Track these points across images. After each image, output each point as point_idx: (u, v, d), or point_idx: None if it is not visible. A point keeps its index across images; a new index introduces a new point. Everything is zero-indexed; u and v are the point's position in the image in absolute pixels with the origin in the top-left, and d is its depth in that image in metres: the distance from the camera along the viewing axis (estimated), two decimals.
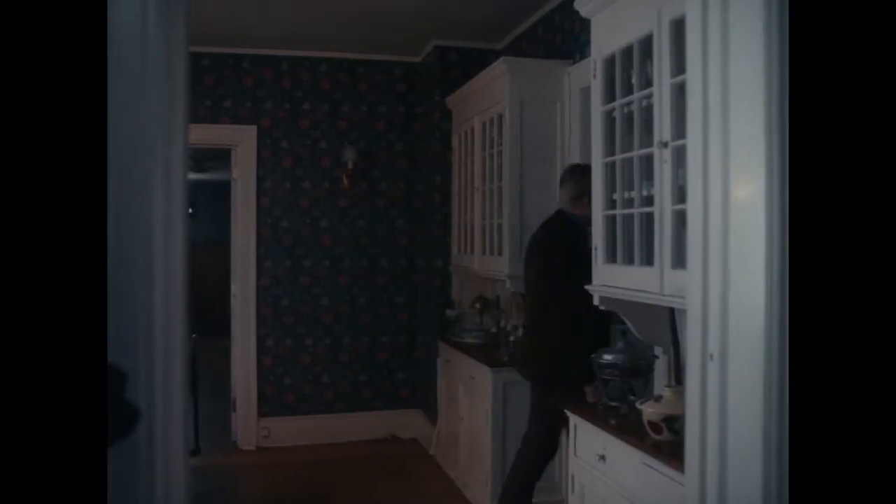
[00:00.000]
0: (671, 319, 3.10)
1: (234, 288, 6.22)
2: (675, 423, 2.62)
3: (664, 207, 2.67)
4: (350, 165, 6.17)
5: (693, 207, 1.92)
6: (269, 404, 6.18)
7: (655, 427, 2.73)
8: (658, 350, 3.36)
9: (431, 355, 5.93)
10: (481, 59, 5.73)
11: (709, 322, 1.86)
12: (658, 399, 2.80)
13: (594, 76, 3.25)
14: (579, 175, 3.66)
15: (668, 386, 2.85)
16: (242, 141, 6.10)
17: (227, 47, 5.95)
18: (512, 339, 4.80)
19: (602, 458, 3.05)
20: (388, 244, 6.40)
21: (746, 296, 1.76)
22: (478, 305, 5.62)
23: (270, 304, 6.17)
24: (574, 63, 4.47)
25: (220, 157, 7.64)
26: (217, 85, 6.02)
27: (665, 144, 2.66)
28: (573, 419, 3.34)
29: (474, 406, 4.82)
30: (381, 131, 6.37)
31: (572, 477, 3.36)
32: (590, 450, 3.16)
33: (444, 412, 5.61)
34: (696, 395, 1.92)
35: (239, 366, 6.17)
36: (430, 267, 6.10)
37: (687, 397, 1.98)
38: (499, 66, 4.61)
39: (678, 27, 2.57)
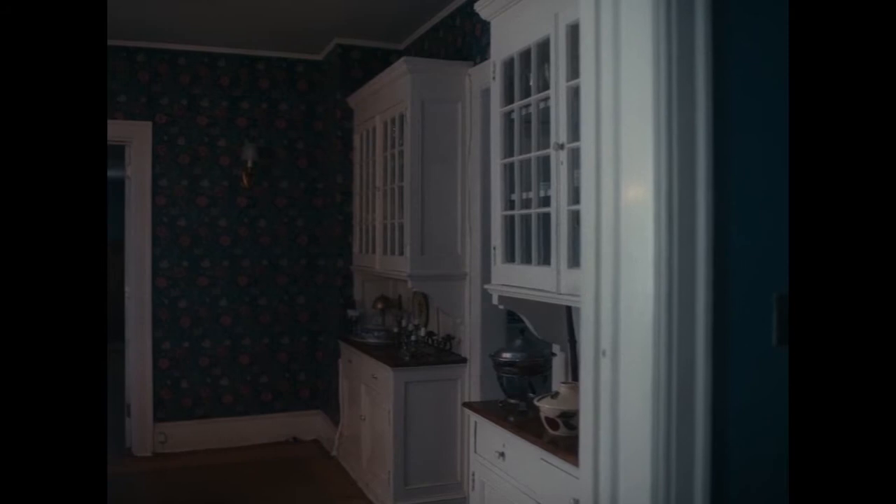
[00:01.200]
0: (568, 318, 3.18)
1: (128, 289, 6.02)
2: (571, 419, 2.69)
3: (561, 208, 2.73)
4: (250, 164, 6.06)
5: (586, 208, 1.97)
6: (166, 409, 6.01)
7: (552, 423, 2.79)
8: (556, 348, 3.44)
9: (333, 356, 5.88)
10: (384, 59, 5.72)
11: (601, 319, 1.92)
12: (555, 396, 2.86)
13: (493, 78, 3.29)
14: None
15: (565, 382, 2.92)
16: (136, 137, 5.90)
17: (120, 40, 5.74)
18: (413, 338, 4.81)
19: (502, 455, 3.09)
20: (289, 244, 6.32)
21: (637, 294, 1.82)
22: (379, 305, 5.61)
23: (167, 306, 6.00)
24: (475, 65, 4.52)
25: (112, 154, 7.36)
26: (110, 79, 5.81)
27: (561, 146, 2.72)
28: (473, 417, 3.37)
29: (376, 406, 4.81)
30: (282, 129, 6.28)
31: (473, 474, 3.39)
32: (490, 447, 3.20)
33: (346, 413, 5.58)
34: (589, 391, 1.97)
35: (133, 369, 5.97)
36: (331, 267, 6.05)
37: (581, 393, 2.03)
38: (400, 66, 4.61)
39: (574, 32, 2.63)
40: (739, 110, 1.88)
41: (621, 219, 1.86)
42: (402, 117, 4.66)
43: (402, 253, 4.67)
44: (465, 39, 4.79)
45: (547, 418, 2.80)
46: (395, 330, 5.21)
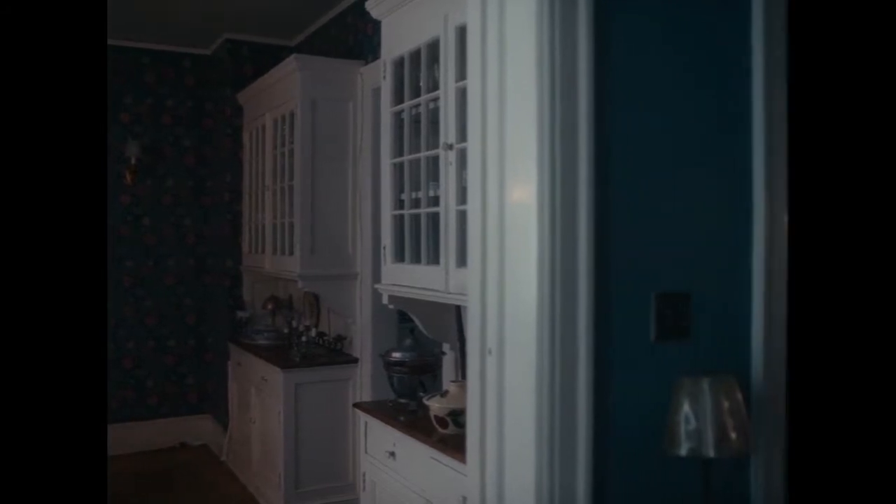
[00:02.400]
0: (458, 317, 3.20)
1: None
2: (459, 417, 2.71)
3: (449, 208, 2.75)
4: (133, 161, 5.84)
5: (472, 208, 2.00)
6: None
7: (441, 422, 2.81)
8: (446, 347, 3.46)
9: (222, 358, 5.74)
10: (275, 55, 5.61)
11: (487, 318, 1.94)
12: (444, 394, 2.88)
13: (384, 77, 3.29)
14: None
15: (454, 381, 2.95)
16: None
17: None
18: (304, 339, 4.75)
19: (392, 454, 3.09)
20: (176, 243, 6.13)
21: (521, 293, 1.85)
22: (270, 306, 5.51)
23: None
24: (367, 63, 4.50)
25: None
26: None
27: (450, 147, 2.74)
28: (364, 417, 3.36)
29: (266, 408, 4.73)
30: (168, 126, 6.09)
31: (364, 475, 3.38)
32: (380, 447, 3.19)
33: (236, 416, 5.45)
34: (475, 389, 2.00)
35: None
36: (219, 267, 5.90)
37: (468, 391, 2.05)
38: (291, 63, 4.55)
39: (463, 34, 2.65)
40: (621, 114, 1.94)
41: (506, 219, 1.89)
42: (292, 115, 4.60)
43: (292, 253, 4.60)
44: (357, 38, 4.77)
45: (436, 417, 2.82)
46: (286, 331, 5.13)
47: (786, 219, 2.17)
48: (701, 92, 2.08)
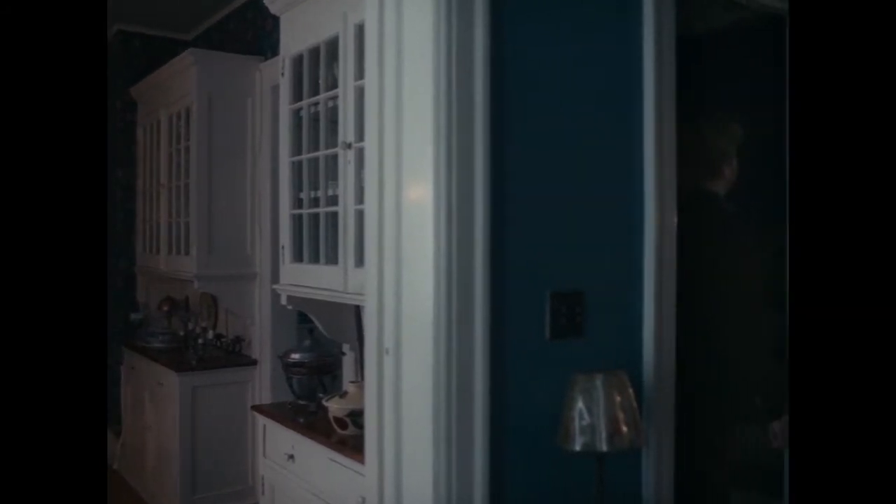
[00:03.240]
0: (357, 317, 3.18)
1: None
2: (359, 418, 2.69)
3: (348, 207, 2.73)
4: None
5: (370, 208, 1.99)
6: None
7: (341, 423, 2.78)
8: (346, 347, 3.43)
9: (114, 362, 5.53)
10: (170, 49, 5.43)
11: (384, 318, 1.93)
12: (343, 395, 2.86)
13: (282, 74, 3.23)
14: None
15: (354, 382, 2.92)
16: None
17: None
18: (201, 341, 4.63)
19: (291, 457, 3.04)
20: None
21: (418, 292, 1.85)
22: (165, 307, 5.34)
23: None
24: (266, 60, 4.42)
25: None
26: None
27: (349, 145, 2.72)
28: (262, 420, 3.30)
29: (162, 413, 4.58)
30: None
31: (262, 478, 3.32)
32: (279, 450, 3.14)
33: (129, 422, 5.26)
34: (373, 389, 1.99)
35: None
36: (111, 267, 5.68)
37: (366, 392, 2.04)
38: (186, 58, 4.42)
39: (363, 32, 2.63)
40: (518, 115, 1.96)
41: (403, 218, 1.89)
42: (188, 111, 4.47)
43: (188, 253, 4.47)
44: (256, 33, 4.68)
45: (335, 418, 2.79)
46: (182, 333, 4.99)
47: (675, 220, 2.24)
48: (595, 96, 2.13)
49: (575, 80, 2.08)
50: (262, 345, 4.39)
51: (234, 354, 4.62)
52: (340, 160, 2.79)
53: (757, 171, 2.89)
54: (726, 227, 2.76)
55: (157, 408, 4.67)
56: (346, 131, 2.76)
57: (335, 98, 2.88)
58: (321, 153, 2.95)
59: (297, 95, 3.14)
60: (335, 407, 2.79)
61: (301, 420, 3.04)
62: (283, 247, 3.18)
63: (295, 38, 3.17)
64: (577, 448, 1.87)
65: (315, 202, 3.01)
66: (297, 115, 3.15)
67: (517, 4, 1.97)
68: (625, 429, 1.87)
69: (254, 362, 4.43)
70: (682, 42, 2.47)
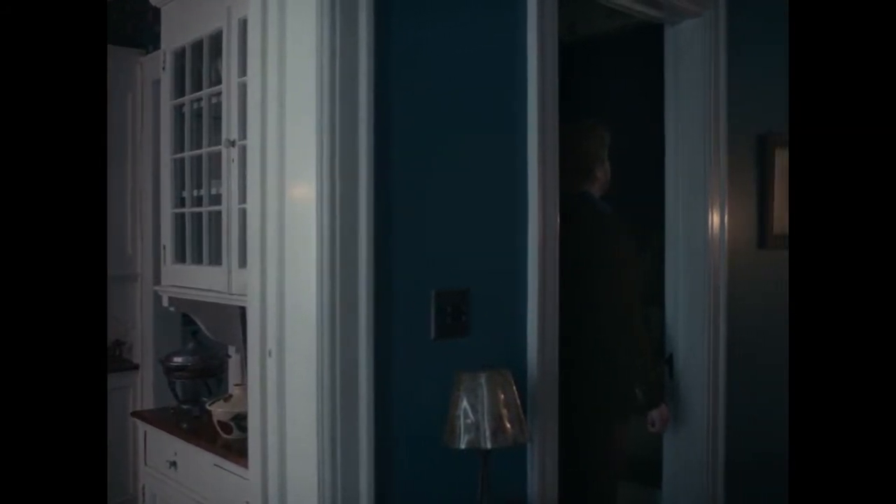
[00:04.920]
0: (242, 318, 3.11)
1: None
2: (244, 421, 2.63)
3: (232, 206, 2.67)
4: None
5: (252, 207, 1.95)
6: None
7: (225, 427, 2.71)
8: (232, 349, 3.36)
9: None
10: None
11: (267, 319, 1.90)
12: (228, 398, 2.79)
13: (164, 68, 3.13)
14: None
15: (238, 384, 2.86)
16: None
17: None
18: None
19: (174, 464, 2.95)
20: None
21: (301, 292, 1.83)
22: None
23: None
24: (147, 53, 4.26)
25: None
26: None
27: (233, 143, 2.66)
28: (143, 427, 3.18)
29: None
30: None
31: (143, 488, 3.20)
32: (161, 457, 3.04)
33: None
34: (256, 392, 1.95)
35: None
36: None
37: (248, 394, 1.99)
38: None
39: (246, 27, 2.58)
40: (402, 113, 1.96)
41: (286, 218, 1.86)
42: None
43: None
44: (136, 25, 4.50)
45: (220, 422, 2.73)
46: None
47: (557, 220, 2.29)
48: (481, 97, 2.15)
49: (460, 81, 2.09)
50: (143, 348, 4.24)
51: (113, 359, 4.43)
52: (224, 158, 2.72)
53: (631, 173, 3.00)
54: (604, 227, 2.85)
55: None
56: (230, 128, 2.70)
57: (219, 94, 2.81)
58: (204, 151, 2.87)
59: (180, 91, 3.04)
60: (219, 411, 2.72)
61: (184, 425, 2.95)
62: (164, 247, 3.08)
63: (177, 32, 3.08)
64: (463, 446, 1.89)
65: (198, 201, 2.92)
66: (179, 111, 3.06)
67: (402, 4, 1.96)
68: (508, 426, 1.89)
69: (135, 367, 4.27)
70: (565, 46, 2.53)
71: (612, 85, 4.14)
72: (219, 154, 2.77)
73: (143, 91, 4.25)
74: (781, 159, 3.36)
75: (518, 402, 1.94)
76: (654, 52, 3.09)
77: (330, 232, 1.77)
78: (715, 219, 2.95)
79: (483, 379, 1.88)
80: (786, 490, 3.14)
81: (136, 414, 3.39)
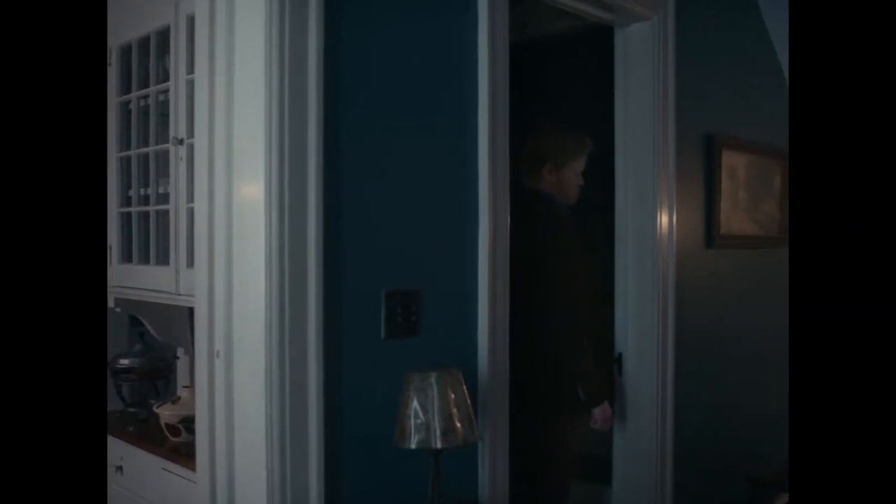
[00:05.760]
0: (191, 319, 3.06)
1: None
2: (192, 424, 2.59)
3: (179, 205, 2.62)
4: None
5: (199, 206, 1.92)
6: None
7: (173, 430, 2.67)
8: (180, 351, 3.30)
9: None
10: None
11: (215, 319, 1.88)
12: (176, 401, 2.75)
13: (110, 64, 3.06)
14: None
15: (187, 386, 2.82)
16: None
17: None
18: None
19: (119, 469, 2.89)
20: None
21: (250, 293, 1.81)
22: None
23: None
24: None
25: None
26: None
27: (180, 141, 2.61)
28: None
29: None
30: None
31: None
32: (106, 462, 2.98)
33: None
34: (204, 394, 1.93)
35: None
36: None
37: (196, 396, 1.97)
38: None
39: (194, 23, 2.54)
40: (353, 112, 1.95)
41: (234, 217, 1.84)
42: None
43: None
44: None
45: (167, 425, 2.68)
46: None
47: (508, 221, 2.30)
48: (431, 97, 2.15)
49: (411, 81, 2.09)
50: None
51: None
52: (171, 156, 2.67)
53: (583, 173, 3.02)
54: (558, 226, 2.87)
55: None
56: (178, 127, 2.65)
57: (166, 91, 2.76)
58: (151, 149, 2.82)
59: (126, 87, 2.98)
60: (167, 413, 2.68)
61: (131, 429, 2.90)
62: (110, 247, 3.02)
63: (123, 26, 3.01)
64: (413, 446, 1.88)
65: (145, 200, 2.87)
66: (125, 108, 2.99)
67: (353, 4, 1.95)
68: (459, 425, 1.90)
69: None
70: (517, 47, 2.54)
71: (565, 86, 4.18)
72: (166, 152, 2.72)
73: None
74: (728, 160, 3.43)
75: (468, 401, 1.95)
76: (605, 53, 3.12)
77: (279, 232, 1.75)
78: (663, 219, 2.99)
79: (433, 379, 1.88)
80: (733, 484, 3.21)
81: None
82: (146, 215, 2.86)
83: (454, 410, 1.89)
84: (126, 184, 2.96)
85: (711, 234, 3.35)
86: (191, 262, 2.56)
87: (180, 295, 2.64)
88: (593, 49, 3.29)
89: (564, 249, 2.80)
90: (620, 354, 3.04)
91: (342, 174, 1.91)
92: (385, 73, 2.03)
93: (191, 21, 2.61)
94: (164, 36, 2.79)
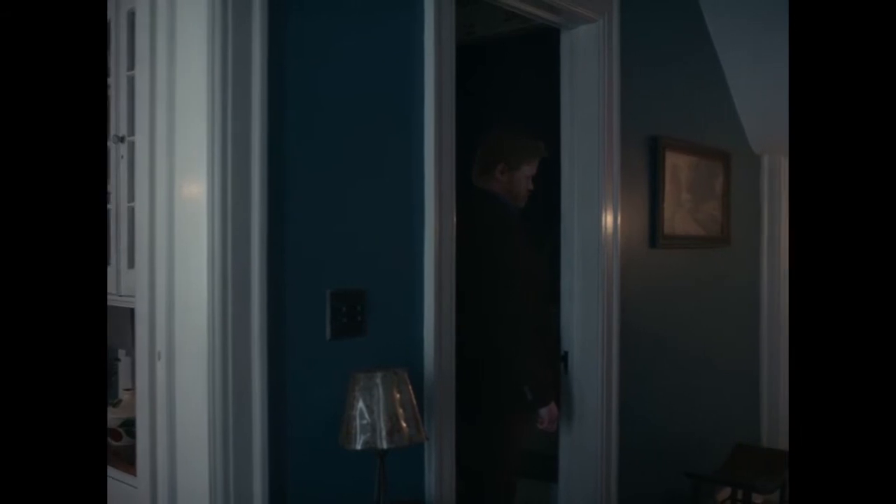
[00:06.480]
0: (131, 320, 3.01)
1: None
2: (133, 427, 2.54)
3: (120, 204, 2.56)
4: None
5: (141, 205, 1.89)
6: None
7: (114, 433, 2.61)
8: (122, 353, 3.24)
9: None
10: None
11: (156, 321, 1.85)
12: (116, 404, 2.69)
13: None
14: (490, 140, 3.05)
15: (128, 389, 2.76)
16: None
17: None
18: None
19: None
20: None
21: (192, 293, 1.78)
22: None
23: None
24: None
25: None
26: None
27: (121, 139, 2.56)
28: None
29: None
30: None
31: None
32: None
33: None
34: (145, 396, 1.90)
35: None
36: None
37: (138, 398, 1.94)
38: None
39: (135, 19, 2.49)
40: (297, 111, 1.93)
41: (176, 217, 1.81)
42: None
43: None
44: None
45: (109, 429, 2.62)
46: None
47: (454, 221, 2.31)
48: (377, 97, 2.14)
49: (357, 79, 2.08)
50: None
51: None
52: (112, 154, 2.62)
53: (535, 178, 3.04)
54: (506, 227, 2.89)
55: None
56: (119, 124, 2.59)
57: (107, 88, 2.70)
58: None
59: None
60: (108, 417, 2.62)
61: None
62: None
63: None
64: (359, 447, 1.88)
65: None
66: None
67: (299, 1, 1.94)
68: (404, 425, 1.89)
69: None
70: (468, 48, 2.55)
71: (517, 87, 4.20)
72: (107, 150, 2.67)
73: None
74: (671, 161, 3.48)
75: (414, 401, 1.94)
76: (553, 55, 3.15)
77: (221, 231, 1.73)
78: (608, 219, 3.03)
79: (379, 379, 1.88)
80: (676, 479, 3.25)
81: None
82: None
83: (400, 410, 1.89)
84: None
85: (655, 234, 3.40)
86: (132, 263, 2.51)
87: (121, 296, 2.58)
88: (544, 50, 3.31)
89: (512, 249, 2.82)
90: (566, 353, 3.07)
91: (287, 173, 1.89)
92: (330, 71, 2.02)
93: (131, 16, 2.55)
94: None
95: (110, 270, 2.63)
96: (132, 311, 2.93)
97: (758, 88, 3.97)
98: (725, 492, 3.91)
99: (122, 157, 2.56)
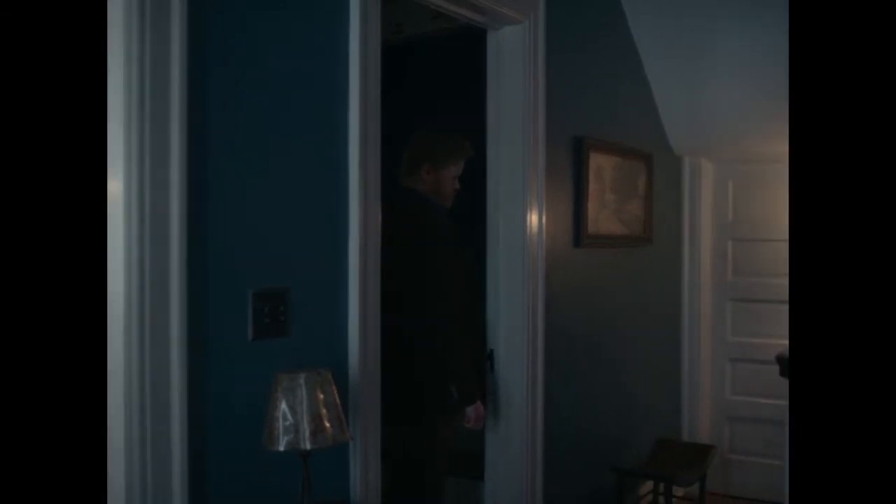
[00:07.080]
0: None
1: None
2: None
3: None
4: None
5: None
6: None
7: None
8: None
9: None
10: None
11: None
12: None
13: None
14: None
15: None
16: None
17: None
18: None
19: None
20: None
21: (109, 295, 1.73)
22: None
23: None
24: None
25: None
26: None
27: None
28: None
29: None
30: None
31: None
32: None
33: None
34: None
35: None
36: None
37: None
38: None
39: None
40: (219, 108, 1.90)
41: None
42: None
43: None
44: None
45: None
46: None
47: (379, 220, 2.30)
48: (301, 95, 2.12)
49: (279, 78, 2.06)
50: None
51: None
52: None
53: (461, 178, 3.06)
54: (432, 226, 2.89)
55: None
56: None
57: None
58: None
59: None
60: None
61: None
62: None
63: None
64: (282, 448, 1.86)
65: None
66: None
67: (218, 1, 1.91)
68: (328, 425, 1.88)
69: None
70: (395, 47, 2.55)
71: (446, 86, 4.22)
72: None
73: None
74: (595, 162, 3.55)
75: (338, 401, 1.93)
76: (480, 55, 3.17)
77: (139, 231, 1.69)
78: (533, 218, 3.07)
79: (302, 379, 1.86)
80: (600, 474, 3.31)
81: None
82: None
83: (324, 411, 1.88)
84: None
85: (580, 233, 3.46)
86: None
87: None
88: (472, 50, 3.33)
89: (439, 249, 2.83)
90: (492, 351, 3.10)
91: (207, 172, 1.86)
92: (252, 69, 1.99)
93: None
94: None
95: None
96: None
97: (679, 92, 4.07)
98: (648, 485, 4.01)
99: None
